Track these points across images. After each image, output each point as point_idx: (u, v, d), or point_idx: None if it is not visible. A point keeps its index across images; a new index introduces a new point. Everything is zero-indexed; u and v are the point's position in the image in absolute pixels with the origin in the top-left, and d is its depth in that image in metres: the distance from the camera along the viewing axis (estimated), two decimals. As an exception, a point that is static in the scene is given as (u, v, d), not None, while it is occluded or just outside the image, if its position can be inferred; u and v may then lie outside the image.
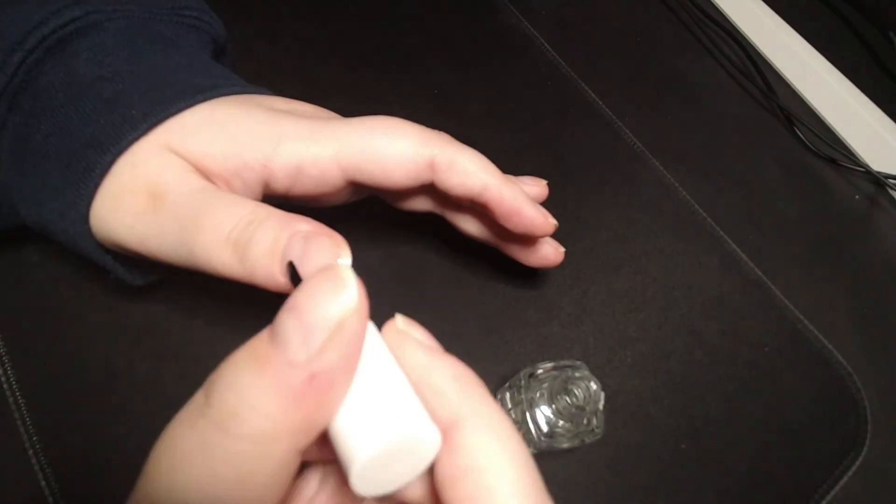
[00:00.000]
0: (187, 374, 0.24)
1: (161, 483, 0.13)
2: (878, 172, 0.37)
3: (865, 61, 0.43)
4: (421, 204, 0.25)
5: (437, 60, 0.35)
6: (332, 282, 0.13)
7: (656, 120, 0.37)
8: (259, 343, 0.13)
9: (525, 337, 0.27)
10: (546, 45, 0.38)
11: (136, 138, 0.19)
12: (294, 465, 0.13)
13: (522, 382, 0.24)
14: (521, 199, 0.23)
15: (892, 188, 0.37)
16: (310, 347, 0.13)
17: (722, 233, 0.33)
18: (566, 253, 0.26)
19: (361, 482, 0.13)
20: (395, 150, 0.21)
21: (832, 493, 0.27)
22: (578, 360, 0.24)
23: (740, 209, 0.34)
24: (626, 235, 0.31)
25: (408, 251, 0.28)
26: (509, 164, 0.25)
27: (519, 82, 0.36)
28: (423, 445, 0.14)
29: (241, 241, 0.18)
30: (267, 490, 0.13)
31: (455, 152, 0.22)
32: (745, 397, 0.28)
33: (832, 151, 0.38)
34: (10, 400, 0.23)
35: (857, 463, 0.27)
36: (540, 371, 0.24)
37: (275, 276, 0.18)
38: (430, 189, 0.23)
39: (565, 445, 0.23)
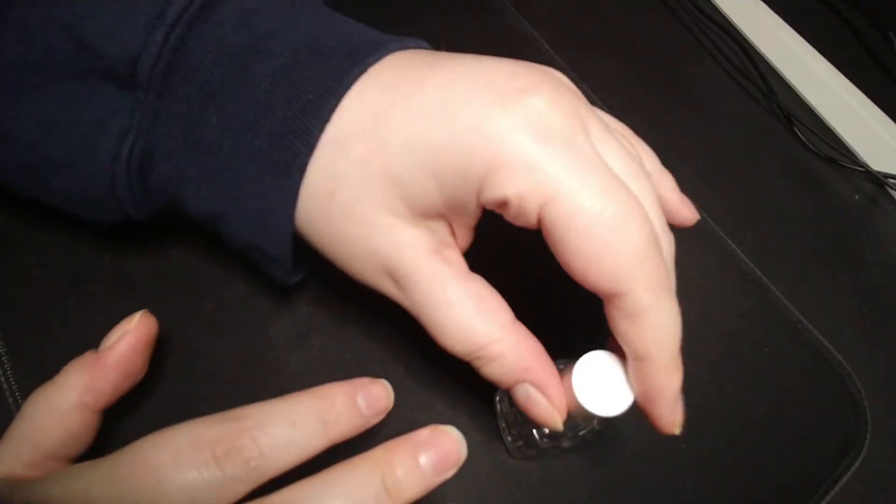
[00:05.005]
0: (187, 373, 0.24)
1: None
2: (878, 172, 0.37)
3: (865, 61, 0.43)
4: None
5: (437, 60, 0.35)
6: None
7: (656, 120, 0.37)
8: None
9: (525, 337, 0.27)
10: (546, 45, 0.38)
11: (322, 129, 0.18)
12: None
13: None
14: (668, 395, 0.19)
15: (892, 188, 0.37)
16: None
17: (722, 233, 0.33)
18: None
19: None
20: (594, 262, 0.17)
21: (832, 493, 0.27)
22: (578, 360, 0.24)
23: (740, 209, 0.34)
24: (626, 235, 0.31)
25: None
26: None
27: (519, 82, 0.36)
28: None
29: (478, 359, 0.19)
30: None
31: (650, 305, 0.17)
32: (745, 397, 0.28)
33: (832, 151, 0.38)
34: (10, 400, 0.23)
35: (857, 463, 0.27)
36: None
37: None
38: None
39: (566, 445, 0.23)
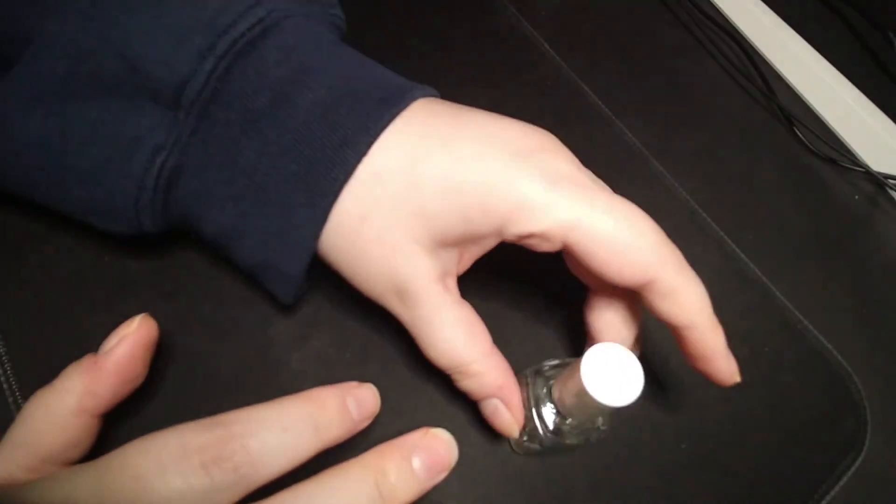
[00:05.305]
0: (187, 373, 0.24)
1: None
2: (878, 172, 0.37)
3: (865, 61, 0.43)
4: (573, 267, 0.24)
5: (437, 60, 0.35)
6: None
7: (656, 120, 0.37)
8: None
9: (525, 337, 0.27)
10: (546, 45, 0.38)
11: (358, 160, 0.20)
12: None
13: (529, 380, 0.24)
14: (719, 350, 0.22)
15: (892, 188, 0.37)
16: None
17: (722, 233, 0.33)
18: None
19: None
20: (623, 263, 0.20)
21: (832, 493, 0.27)
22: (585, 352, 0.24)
23: (740, 209, 0.34)
24: (626, 235, 0.31)
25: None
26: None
27: (519, 82, 0.36)
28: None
29: (459, 373, 0.22)
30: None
31: (680, 282, 0.20)
32: (744, 397, 0.28)
33: (832, 151, 0.38)
34: (10, 400, 0.23)
35: (857, 463, 0.27)
36: (545, 368, 0.24)
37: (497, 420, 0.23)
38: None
39: (572, 442, 0.23)
